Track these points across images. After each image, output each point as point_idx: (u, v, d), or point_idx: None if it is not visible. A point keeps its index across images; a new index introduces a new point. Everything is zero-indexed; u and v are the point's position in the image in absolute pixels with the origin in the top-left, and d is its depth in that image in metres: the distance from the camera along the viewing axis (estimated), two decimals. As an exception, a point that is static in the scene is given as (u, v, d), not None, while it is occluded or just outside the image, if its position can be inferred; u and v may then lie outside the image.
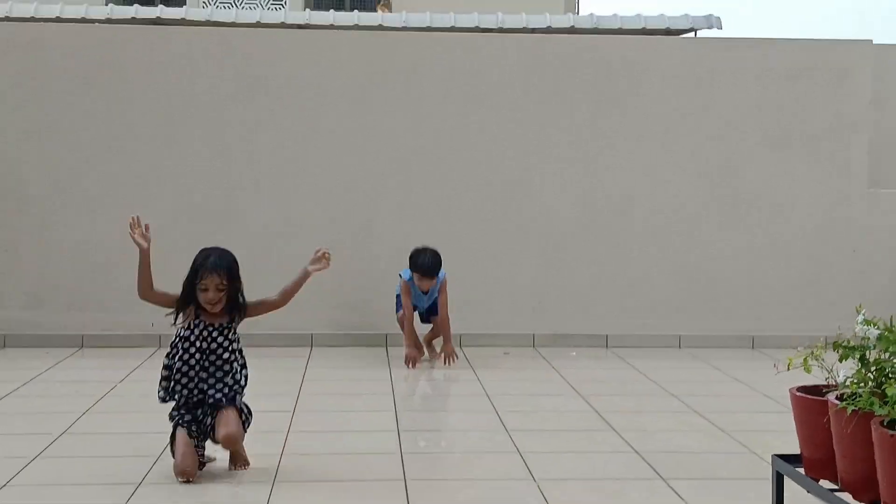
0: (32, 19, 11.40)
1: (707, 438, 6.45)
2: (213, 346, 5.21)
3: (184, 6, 17.92)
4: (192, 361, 5.17)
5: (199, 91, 9.78)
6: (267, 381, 8.07)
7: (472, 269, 9.85)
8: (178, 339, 5.23)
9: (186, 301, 5.25)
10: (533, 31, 11.96)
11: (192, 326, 5.21)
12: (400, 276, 8.69)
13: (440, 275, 8.50)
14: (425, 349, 9.08)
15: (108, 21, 11.77)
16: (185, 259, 9.57)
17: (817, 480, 4.55)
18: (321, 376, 8.40)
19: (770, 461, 4.99)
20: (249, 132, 9.82)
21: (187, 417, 5.16)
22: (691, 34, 12.79)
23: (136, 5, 15.44)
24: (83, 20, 11.42)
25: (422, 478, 5.44)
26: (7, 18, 11.45)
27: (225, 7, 18.84)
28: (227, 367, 5.26)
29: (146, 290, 5.40)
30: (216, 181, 9.80)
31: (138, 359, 8.73)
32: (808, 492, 4.64)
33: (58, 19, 11.36)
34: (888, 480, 3.92)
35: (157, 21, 11.76)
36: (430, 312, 8.98)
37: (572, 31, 12.38)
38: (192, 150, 9.77)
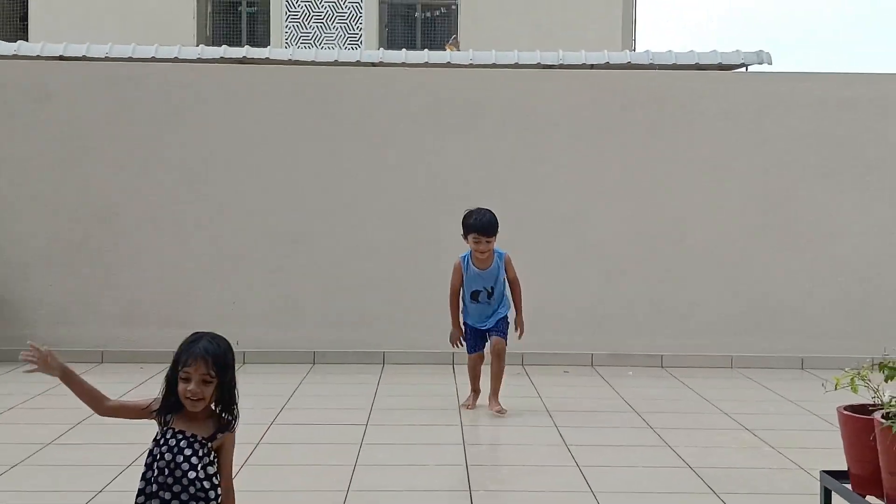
0: (130, 59, 11.61)
1: (758, 455, 6.41)
2: (180, 460, 3.65)
3: (268, 46, 18.14)
4: (152, 481, 3.68)
5: (278, 125, 9.87)
6: (331, 397, 8.26)
7: (533, 292, 9.84)
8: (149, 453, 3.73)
9: (170, 402, 3.70)
10: (592, 66, 12.00)
11: (159, 434, 3.72)
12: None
13: (501, 254, 7.47)
14: (471, 396, 7.79)
15: (199, 60, 11.93)
16: (264, 283, 9.80)
17: (864, 496, 4.54)
18: (395, 391, 8.45)
19: (818, 477, 4.99)
20: (323, 162, 9.88)
21: None
22: (743, 69, 12.78)
23: (223, 46, 15.64)
24: (175, 59, 11.61)
25: (485, 489, 5.50)
26: (107, 58, 11.67)
27: (305, 47, 18.99)
28: (194, 496, 3.66)
29: (99, 408, 3.78)
30: (292, 207, 9.89)
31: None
32: (854, 506, 4.65)
33: (153, 59, 11.56)
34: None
35: (243, 60, 11.90)
36: (484, 332, 7.72)
37: (629, 66, 12.40)
38: (270, 179, 9.86)
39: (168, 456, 3.60)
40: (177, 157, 9.85)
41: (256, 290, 9.82)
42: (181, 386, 3.57)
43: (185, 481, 3.61)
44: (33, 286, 9.66)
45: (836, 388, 4.60)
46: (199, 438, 3.65)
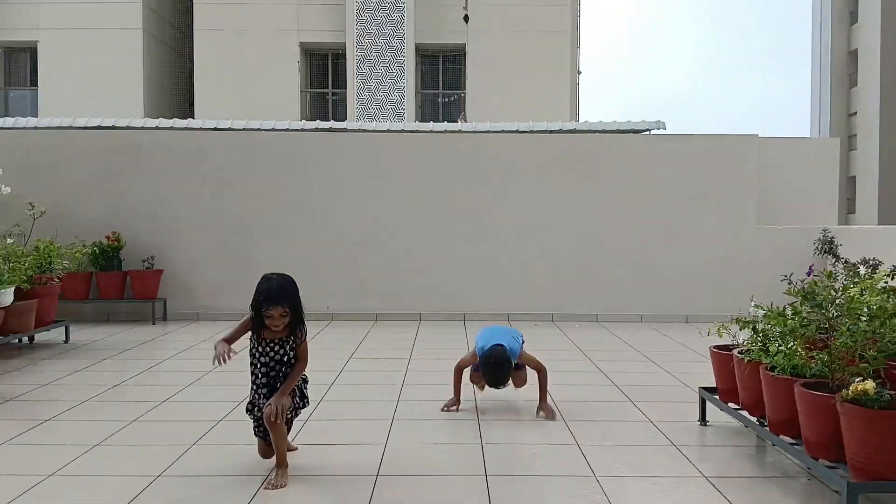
0: (258, 129, 11.71)
1: (658, 376, 6.45)
2: (277, 357, 3.87)
3: (345, 120, 18.25)
4: (260, 374, 3.88)
5: (351, 169, 9.90)
6: (389, 339, 8.32)
7: (511, 276, 9.97)
8: (250, 355, 3.94)
9: (257, 325, 3.85)
10: (550, 131, 12.04)
11: (257, 344, 3.90)
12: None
13: (514, 352, 4.97)
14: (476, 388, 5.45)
15: (302, 130, 12.03)
16: (344, 271, 9.87)
17: (726, 403, 4.60)
18: (428, 336, 8.51)
19: (697, 391, 5.06)
20: (378, 194, 9.92)
21: (255, 424, 4.01)
22: (647, 132, 12.79)
23: (317, 120, 15.75)
24: (287, 130, 11.72)
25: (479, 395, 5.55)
26: (244, 129, 11.78)
27: (368, 120, 19.08)
28: (285, 372, 3.90)
29: (234, 341, 3.89)
30: (360, 223, 9.93)
31: (361, 331, 9.02)
32: (720, 409, 4.69)
33: (273, 129, 11.66)
34: (766, 400, 4.03)
35: (330, 129, 11.98)
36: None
37: (574, 131, 12.42)
38: (346, 205, 9.91)
39: (266, 359, 3.88)
40: (287, 192, 9.90)
41: (339, 275, 9.90)
42: (267, 321, 3.80)
43: (282, 370, 3.90)
44: (199, 274, 9.76)
45: (708, 335, 4.66)
46: (285, 338, 3.88)
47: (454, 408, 5.09)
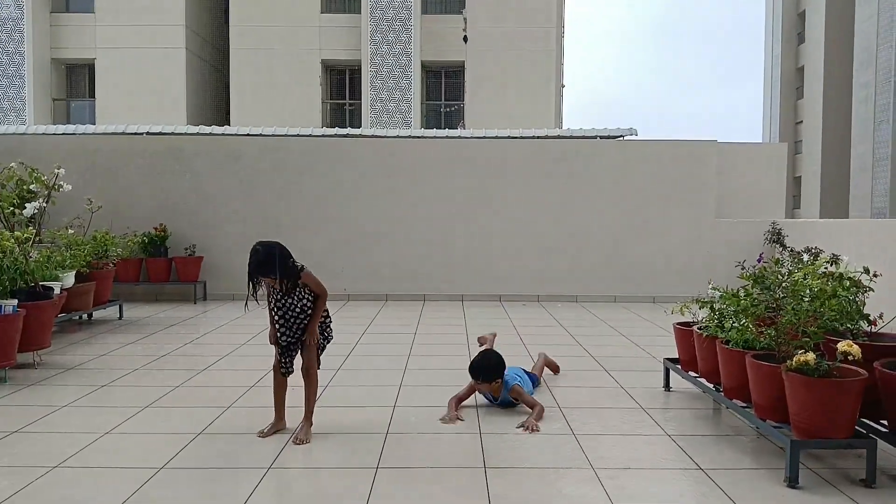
0: (285, 135, 11.65)
1: (628, 349, 6.44)
2: (287, 305, 3.79)
3: (360, 127, 18.20)
4: (277, 317, 3.81)
5: (365, 170, 9.88)
6: (398, 316, 8.34)
7: (501, 260, 9.95)
8: (268, 304, 3.88)
9: (254, 286, 3.74)
10: (536, 137, 12.00)
11: (271, 296, 3.84)
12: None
13: (508, 386, 4.30)
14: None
15: (322, 135, 11.98)
16: (359, 258, 9.86)
17: (687, 371, 4.62)
18: (431, 313, 8.53)
19: (662, 361, 5.08)
20: (388, 192, 9.88)
21: (279, 353, 3.90)
22: (620, 137, 12.75)
23: (336, 127, 15.68)
24: (310, 136, 11.65)
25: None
26: (272, 135, 11.73)
27: (380, 127, 19.03)
28: (296, 315, 3.82)
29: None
30: (373, 217, 9.88)
31: (373, 308, 8.96)
32: (682, 377, 4.69)
33: (297, 135, 11.61)
34: (721, 369, 4.03)
35: (347, 135, 11.93)
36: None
37: (558, 136, 12.39)
38: (362, 201, 9.88)
39: (281, 303, 3.81)
40: (310, 191, 9.87)
41: (355, 262, 9.89)
42: (259, 285, 3.76)
43: (294, 315, 3.83)
44: (234, 260, 9.72)
45: (672, 313, 4.65)
46: (286, 289, 3.77)
47: (455, 422, 4.09)
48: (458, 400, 4.32)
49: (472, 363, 4.42)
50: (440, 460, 3.46)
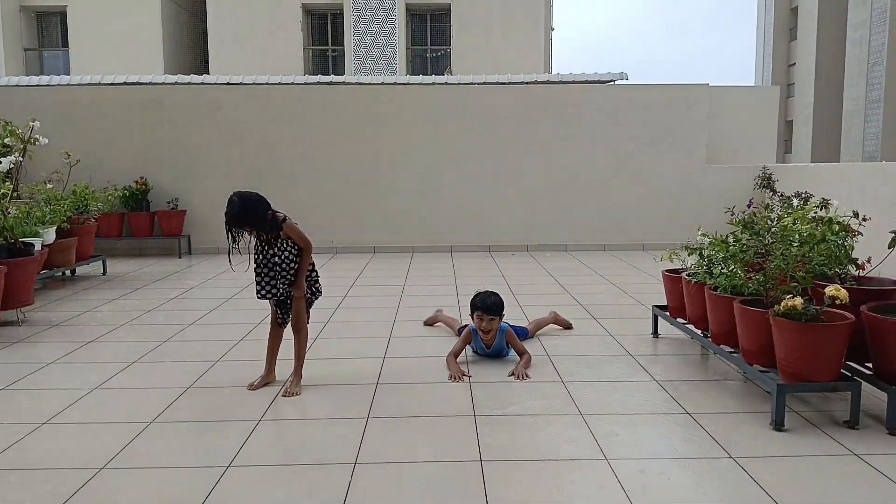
0: (266, 84, 11.47)
1: (618, 296, 6.50)
2: (269, 255, 3.74)
3: (343, 74, 17.89)
4: (259, 268, 3.78)
5: (351, 119, 9.77)
6: (386, 269, 8.35)
7: (491, 210, 9.94)
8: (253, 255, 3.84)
9: (233, 237, 3.68)
10: (525, 83, 11.87)
11: (259, 253, 3.79)
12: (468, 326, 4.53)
13: (502, 330, 4.40)
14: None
15: (304, 83, 11.81)
16: (346, 209, 9.81)
17: (675, 318, 4.66)
18: (420, 265, 8.56)
19: (651, 308, 5.13)
20: (375, 141, 9.79)
21: (273, 304, 3.92)
22: (611, 82, 12.63)
23: (318, 75, 15.41)
24: (293, 83, 11.49)
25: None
26: (253, 83, 11.53)
27: (364, 74, 18.71)
28: (281, 268, 3.76)
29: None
30: (359, 166, 9.80)
31: (361, 260, 9.02)
32: (670, 324, 4.73)
33: (279, 83, 11.44)
34: (709, 315, 4.08)
35: (331, 83, 11.79)
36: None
37: (547, 82, 12.26)
38: (347, 150, 9.80)
39: (263, 253, 3.76)
40: (294, 140, 9.76)
41: (341, 213, 9.85)
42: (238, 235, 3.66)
43: (276, 265, 3.75)
44: (217, 213, 9.57)
45: (661, 260, 4.68)
46: (269, 238, 3.72)
47: (463, 378, 4.00)
48: (455, 355, 4.29)
49: (480, 300, 4.40)
50: (430, 410, 3.51)
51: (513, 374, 4.06)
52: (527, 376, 4.02)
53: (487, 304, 4.37)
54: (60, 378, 4.11)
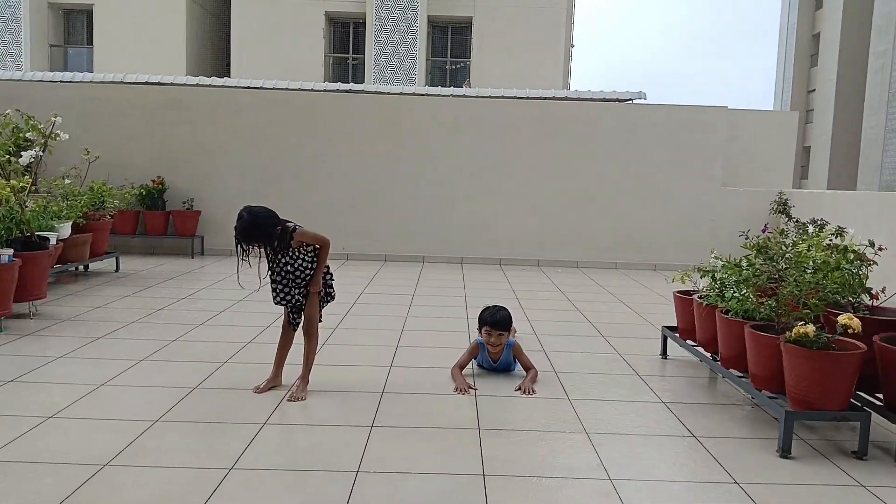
0: (286, 89, 11.54)
1: (628, 315, 6.47)
2: (282, 263, 3.81)
3: (363, 83, 17.99)
4: (279, 281, 3.83)
5: (367, 127, 9.80)
6: (397, 277, 8.35)
7: (504, 223, 9.93)
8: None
9: (244, 251, 3.75)
10: (543, 98, 11.87)
11: (273, 264, 3.84)
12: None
13: (510, 344, 4.38)
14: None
15: (325, 91, 11.85)
16: (358, 216, 9.84)
17: (685, 340, 4.65)
18: (430, 275, 8.56)
19: (660, 329, 5.09)
20: (393, 149, 9.80)
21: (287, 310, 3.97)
22: (630, 101, 12.61)
23: (338, 82, 15.50)
24: (312, 90, 11.54)
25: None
26: (274, 88, 11.60)
27: (384, 83, 18.82)
28: (294, 276, 3.83)
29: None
30: (374, 174, 9.82)
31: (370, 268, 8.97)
32: (680, 346, 4.72)
33: (300, 89, 11.48)
34: (720, 339, 4.05)
35: (350, 91, 11.81)
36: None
37: (565, 98, 12.25)
38: (362, 158, 9.80)
39: (277, 261, 3.82)
40: (311, 145, 9.80)
41: (354, 220, 9.87)
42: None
43: (289, 274, 3.81)
44: (232, 215, 9.66)
45: (672, 281, 4.65)
46: (279, 249, 3.75)
47: (469, 390, 3.99)
48: (461, 367, 4.27)
49: (489, 314, 4.36)
50: (435, 421, 3.50)
51: (519, 388, 4.04)
52: (533, 391, 4.01)
53: (497, 320, 4.33)
54: (68, 373, 4.13)
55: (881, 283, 3.85)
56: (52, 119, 7.67)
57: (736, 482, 2.89)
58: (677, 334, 4.75)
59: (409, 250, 9.87)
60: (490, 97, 11.37)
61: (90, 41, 21.39)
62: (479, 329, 4.42)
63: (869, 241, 3.87)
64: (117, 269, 8.09)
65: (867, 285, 3.76)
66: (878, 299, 3.74)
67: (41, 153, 7.57)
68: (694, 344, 4.48)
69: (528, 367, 4.29)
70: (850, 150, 39.40)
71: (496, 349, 4.35)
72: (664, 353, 4.93)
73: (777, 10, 48.00)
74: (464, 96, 11.59)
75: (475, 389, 4.02)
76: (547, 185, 9.88)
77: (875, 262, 3.84)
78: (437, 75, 21.80)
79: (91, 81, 12.38)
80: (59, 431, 3.21)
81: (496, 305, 4.47)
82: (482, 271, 9.13)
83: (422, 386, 4.07)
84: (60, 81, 12.13)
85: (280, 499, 2.63)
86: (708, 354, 4.29)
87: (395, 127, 9.84)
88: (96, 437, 3.16)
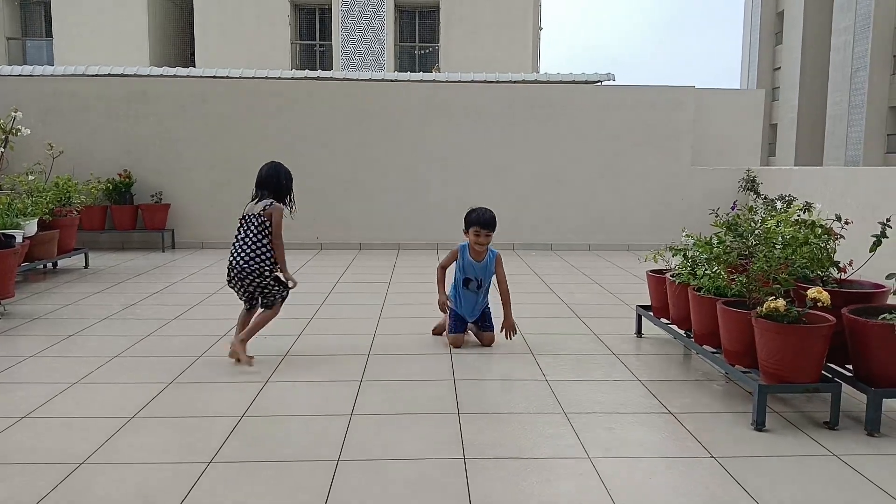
0: (253, 77, 11.40)
1: (602, 296, 6.51)
2: (245, 230, 4.10)
3: (331, 70, 17.82)
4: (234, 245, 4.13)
5: (337, 115, 9.73)
6: (373, 266, 8.33)
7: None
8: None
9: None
10: (513, 82, 11.87)
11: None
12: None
13: (494, 252, 4.75)
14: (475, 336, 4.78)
15: (292, 78, 11.75)
16: (332, 206, 9.77)
17: (659, 318, 4.69)
18: (405, 262, 8.55)
19: (634, 308, 5.16)
20: (362, 138, 9.75)
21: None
22: (598, 83, 12.66)
23: (306, 69, 15.34)
24: (280, 78, 11.42)
25: None
26: (240, 77, 11.45)
27: (352, 70, 18.67)
28: (250, 248, 4.06)
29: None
30: (345, 162, 9.76)
31: (347, 257, 8.95)
32: (654, 324, 4.76)
33: (266, 77, 11.36)
34: (692, 316, 4.10)
35: (318, 78, 11.72)
36: (481, 320, 4.74)
37: (535, 81, 12.28)
38: (333, 147, 9.74)
39: (240, 230, 4.12)
40: (278, 135, 9.70)
41: (327, 209, 9.81)
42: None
43: (247, 230, 4.08)
44: (202, 208, 9.62)
45: (645, 261, 4.71)
46: (250, 214, 4.08)
47: (449, 302, 4.50)
48: (443, 268, 4.65)
49: (477, 215, 4.57)
50: (415, 407, 3.50)
51: (502, 329, 4.52)
52: (516, 331, 4.59)
53: (486, 219, 4.57)
54: (40, 372, 4.06)
55: (848, 256, 3.92)
56: (13, 114, 7.50)
57: (712, 456, 2.94)
58: (651, 313, 4.80)
59: (384, 238, 9.85)
60: (459, 82, 11.33)
61: (49, 34, 20.89)
62: (466, 230, 4.61)
63: (836, 215, 3.94)
64: (87, 266, 7.96)
65: (835, 259, 3.83)
66: (845, 272, 3.82)
67: (2, 149, 7.40)
68: (668, 322, 4.54)
69: (502, 281, 4.67)
70: (816, 127, 40.04)
71: (482, 249, 4.61)
72: (639, 332, 4.98)
73: (741, -12, 48.44)
74: (433, 81, 11.54)
75: (452, 307, 4.53)
76: (519, 169, 9.91)
77: (842, 237, 3.91)
78: (406, 61, 21.68)
79: (52, 75, 12.12)
80: (33, 431, 3.16)
81: (482, 207, 4.67)
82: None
83: (401, 372, 4.07)
84: (19, 76, 11.85)
85: (261, 490, 2.62)
86: (682, 332, 4.34)
87: (365, 114, 9.77)
88: (71, 435, 3.11)
